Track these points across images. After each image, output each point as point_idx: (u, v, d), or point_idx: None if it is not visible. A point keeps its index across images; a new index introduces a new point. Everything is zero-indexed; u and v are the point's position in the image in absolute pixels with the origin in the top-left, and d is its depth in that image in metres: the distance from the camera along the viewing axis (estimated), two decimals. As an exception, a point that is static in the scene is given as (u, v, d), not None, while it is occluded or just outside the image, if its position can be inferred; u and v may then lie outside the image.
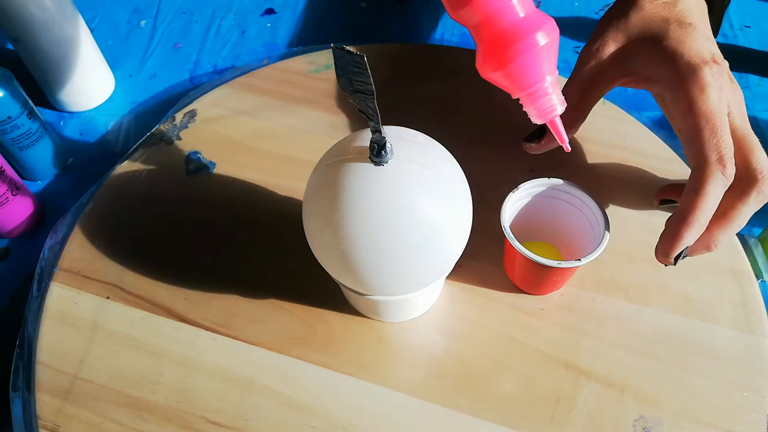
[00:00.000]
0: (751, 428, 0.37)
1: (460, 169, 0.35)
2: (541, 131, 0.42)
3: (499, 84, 0.30)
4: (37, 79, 0.57)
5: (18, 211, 0.50)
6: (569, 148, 0.36)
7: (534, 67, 0.29)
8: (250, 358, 0.41)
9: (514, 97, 0.31)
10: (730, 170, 0.32)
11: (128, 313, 0.43)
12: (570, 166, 0.49)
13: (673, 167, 0.50)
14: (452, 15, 0.29)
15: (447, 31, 0.65)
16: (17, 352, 0.42)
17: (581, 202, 0.40)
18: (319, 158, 0.35)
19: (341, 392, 0.40)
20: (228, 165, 0.52)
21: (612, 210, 0.47)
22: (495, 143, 0.51)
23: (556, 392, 0.39)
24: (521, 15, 0.28)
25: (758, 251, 0.45)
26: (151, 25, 0.68)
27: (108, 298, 0.44)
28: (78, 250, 0.47)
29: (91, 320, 0.43)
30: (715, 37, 0.42)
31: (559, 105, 0.32)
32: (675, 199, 0.45)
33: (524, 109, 0.32)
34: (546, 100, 0.31)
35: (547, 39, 0.28)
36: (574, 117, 0.39)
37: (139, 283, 0.45)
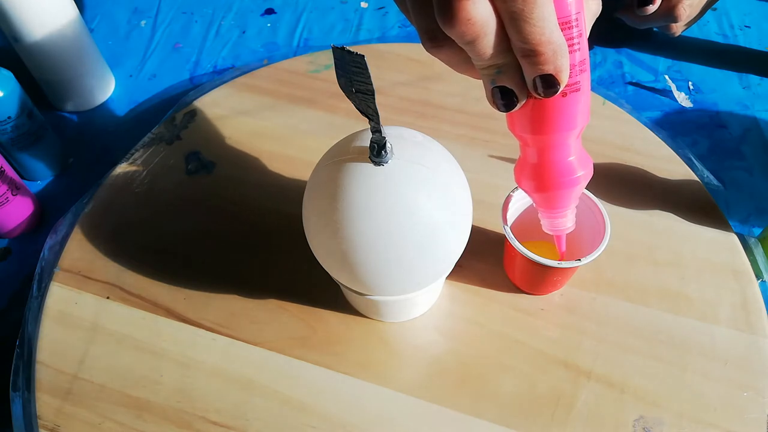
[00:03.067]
0: (751, 428, 0.37)
1: (460, 169, 0.35)
2: None
3: (529, 193, 0.33)
4: (37, 79, 0.57)
5: (18, 211, 0.50)
6: (563, 252, 0.38)
7: (566, 201, 0.32)
8: (250, 358, 0.41)
9: (537, 207, 0.34)
10: None
11: (128, 313, 0.43)
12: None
13: (673, 167, 0.50)
14: (510, 128, 0.30)
15: (447, 31, 0.65)
16: (17, 352, 0.42)
17: (581, 201, 0.40)
18: (319, 158, 0.35)
19: (341, 392, 0.40)
20: (228, 165, 0.52)
21: (612, 210, 0.47)
22: (495, 143, 0.51)
23: (556, 392, 0.39)
24: (572, 156, 0.30)
25: (758, 251, 0.45)
26: (151, 25, 0.69)
27: (108, 298, 0.44)
28: (78, 250, 0.47)
29: (91, 320, 0.43)
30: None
31: (570, 226, 0.35)
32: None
33: (540, 216, 0.35)
34: (561, 222, 0.34)
35: (585, 181, 0.32)
36: None
37: (139, 283, 0.45)
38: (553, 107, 0.28)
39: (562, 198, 0.32)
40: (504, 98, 0.27)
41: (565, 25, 0.25)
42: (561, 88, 0.25)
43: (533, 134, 0.29)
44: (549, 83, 0.25)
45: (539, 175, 0.31)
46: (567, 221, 0.34)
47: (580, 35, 0.26)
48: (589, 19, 0.27)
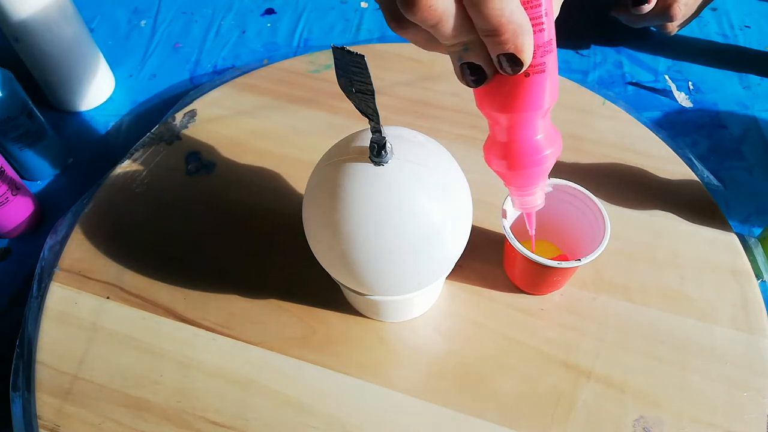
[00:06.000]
0: (751, 428, 0.37)
1: (460, 169, 0.35)
2: None
3: (498, 172, 0.33)
4: (37, 79, 0.57)
5: (18, 211, 0.50)
6: (533, 235, 0.39)
7: (535, 179, 0.32)
8: (250, 358, 0.41)
9: (507, 186, 0.34)
10: None
11: (128, 313, 0.43)
12: (570, 165, 0.49)
13: (673, 167, 0.50)
14: (479, 106, 0.30)
15: (447, 31, 0.65)
16: (17, 352, 0.42)
17: (581, 202, 0.40)
18: (319, 158, 0.35)
19: (341, 392, 0.40)
20: (228, 165, 0.52)
21: (612, 210, 0.47)
22: (495, 143, 0.51)
23: (556, 392, 0.39)
24: (539, 135, 0.30)
25: (758, 251, 0.45)
26: (151, 25, 0.68)
27: (108, 298, 0.44)
28: (78, 250, 0.47)
29: (91, 320, 0.43)
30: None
31: (540, 203, 0.35)
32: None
33: (510, 195, 0.35)
34: (531, 199, 0.34)
35: (553, 159, 0.31)
36: None
37: (139, 283, 0.45)
38: (518, 87, 0.28)
39: (530, 176, 0.32)
40: (473, 74, 0.27)
41: (528, 4, 0.25)
42: (525, 67, 0.26)
43: (500, 112, 0.29)
44: (513, 61, 0.25)
45: (507, 154, 0.31)
46: (536, 199, 0.34)
47: (547, 14, 0.26)
48: (557, 1, 0.27)
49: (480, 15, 0.24)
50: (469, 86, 0.28)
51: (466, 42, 0.26)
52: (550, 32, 0.26)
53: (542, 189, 0.34)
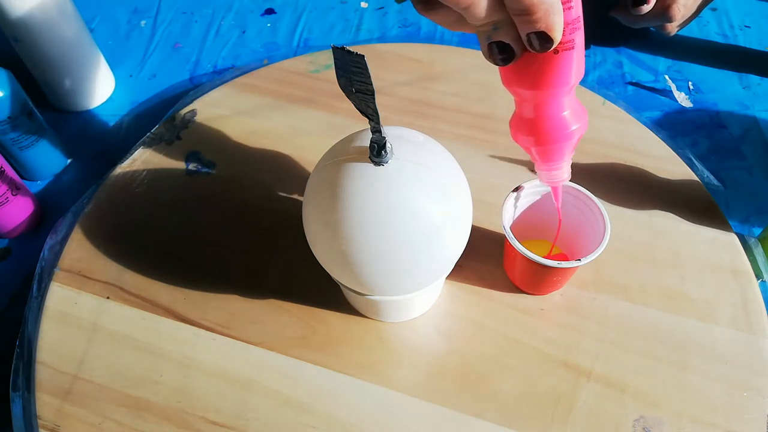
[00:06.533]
0: (751, 428, 0.37)
1: (460, 169, 0.35)
2: None
3: (525, 148, 0.34)
4: (37, 79, 0.57)
5: (18, 211, 0.50)
6: (559, 208, 0.39)
7: (562, 153, 0.33)
8: (250, 358, 0.41)
9: (534, 161, 0.35)
10: None
11: (128, 313, 0.43)
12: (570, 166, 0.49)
13: (673, 167, 0.50)
14: (505, 84, 0.31)
15: (447, 31, 0.65)
16: (17, 352, 0.42)
17: (581, 202, 0.40)
18: (319, 158, 0.35)
19: (341, 392, 0.40)
20: (228, 165, 0.52)
21: (612, 210, 0.47)
22: (495, 143, 0.51)
23: (556, 392, 0.39)
24: (566, 111, 0.31)
25: (758, 251, 0.45)
26: (151, 25, 0.69)
27: (108, 298, 0.44)
28: (78, 250, 0.47)
29: (91, 320, 0.43)
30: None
31: (566, 177, 0.35)
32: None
33: (536, 169, 0.35)
34: (558, 173, 0.35)
35: (580, 134, 0.32)
36: None
37: (139, 283, 0.45)
38: (547, 64, 0.28)
39: (557, 151, 0.33)
40: (502, 53, 0.27)
41: None
42: (555, 44, 0.26)
43: (528, 89, 0.30)
44: (543, 39, 0.26)
45: (535, 129, 0.32)
46: (563, 173, 0.35)
47: None
48: None
49: None
50: (496, 64, 0.28)
51: (496, 21, 0.26)
52: (578, 9, 0.27)
53: (568, 162, 0.35)
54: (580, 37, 0.28)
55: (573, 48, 0.28)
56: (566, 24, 0.26)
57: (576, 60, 0.28)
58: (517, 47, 0.27)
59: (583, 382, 0.39)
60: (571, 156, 0.34)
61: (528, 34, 0.26)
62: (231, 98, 0.56)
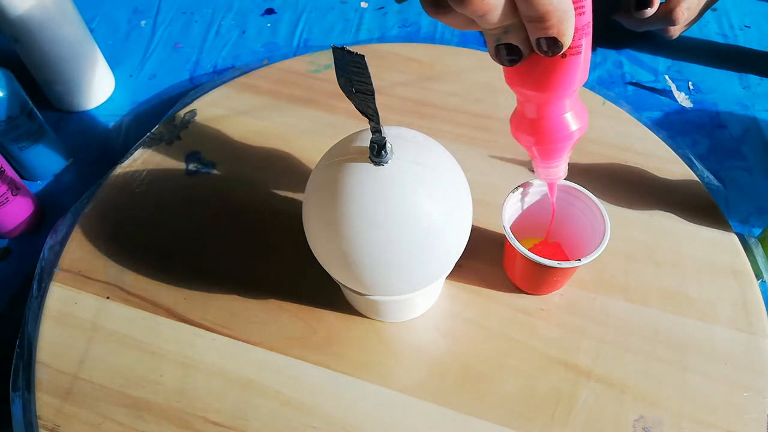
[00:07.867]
0: (751, 428, 0.37)
1: (460, 169, 0.35)
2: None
3: (524, 146, 0.34)
4: (37, 79, 0.57)
5: (18, 211, 0.50)
6: (554, 202, 0.40)
7: (561, 153, 0.34)
8: (250, 358, 0.41)
9: (532, 158, 0.35)
10: None
11: (128, 313, 0.43)
12: (570, 165, 0.49)
13: (673, 167, 0.50)
14: (509, 83, 0.31)
15: (447, 31, 0.65)
16: (17, 352, 0.42)
17: (581, 202, 0.40)
18: (319, 158, 0.35)
19: (341, 392, 0.40)
20: (228, 165, 0.52)
21: (612, 210, 0.47)
22: (495, 143, 0.51)
23: (556, 392, 0.39)
24: (568, 112, 0.31)
25: (758, 251, 0.45)
26: (151, 25, 0.69)
27: (108, 298, 0.44)
28: (78, 250, 0.47)
29: (91, 320, 0.43)
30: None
31: (563, 174, 0.36)
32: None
33: (534, 166, 0.36)
34: (555, 171, 0.35)
35: (580, 134, 0.33)
36: None
37: (139, 283, 0.45)
38: (553, 67, 0.28)
39: (557, 151, 0.33)
40: (509, 54, 0.27)
41: None
42: (564, 49, 0.26)
43: (532, 91, 0.30)
44: (553, 44, 0.26)
45: (536, 129, 0.32)
46: (560, 170, 0.35)
47: None
48: None
49: (528, 2, 0.24)
50: (502, 65, 0.28)
51: (507, 25, 0.26)
52: (588, 15, 0.27)
53: (566, 160, 0.35)
54: (587, 42, 0.28)
55: (580, 53, 0.28)
56: (576, 29, 0.26)
57: (582, 64, 0.28)
58: (525, 49, 0.27)
59: (583, 382, 0.39)
60: (569, 154, 0.34)
61: (538, 39, 0.26)
62: (231, 98, 0.56)
